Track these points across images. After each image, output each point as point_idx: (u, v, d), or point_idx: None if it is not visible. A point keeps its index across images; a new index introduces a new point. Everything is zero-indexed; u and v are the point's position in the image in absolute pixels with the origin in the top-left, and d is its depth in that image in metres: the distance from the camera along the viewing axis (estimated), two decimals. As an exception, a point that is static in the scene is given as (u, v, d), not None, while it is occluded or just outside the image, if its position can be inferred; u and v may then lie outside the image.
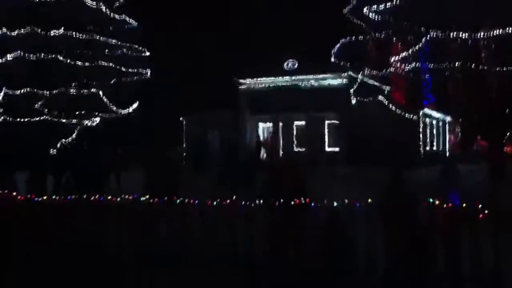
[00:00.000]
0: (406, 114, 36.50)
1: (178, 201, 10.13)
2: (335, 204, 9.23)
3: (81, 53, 36.67)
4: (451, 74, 41.31)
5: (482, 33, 26.98)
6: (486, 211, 8.33)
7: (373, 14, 30.44)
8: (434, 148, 39.91)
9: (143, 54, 39.44)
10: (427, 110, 38.29)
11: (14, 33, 34.97)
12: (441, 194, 9.75)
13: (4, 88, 35.84)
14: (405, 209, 7.99)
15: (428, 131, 38.36)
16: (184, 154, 41.17)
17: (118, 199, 10.84)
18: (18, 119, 36.18)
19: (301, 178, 10.31)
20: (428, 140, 38.30)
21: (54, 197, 11.49)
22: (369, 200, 8.88)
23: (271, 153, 38.18)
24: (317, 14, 51.59)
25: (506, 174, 27.22)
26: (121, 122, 39.11)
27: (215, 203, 9.54)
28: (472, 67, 28.08)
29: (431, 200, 8.54)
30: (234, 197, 9.50)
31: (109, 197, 11.01)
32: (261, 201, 9.52)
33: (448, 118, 43.93)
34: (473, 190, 12.65)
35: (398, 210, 7.98)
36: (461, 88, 40.87)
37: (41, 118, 36.27)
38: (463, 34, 27.21)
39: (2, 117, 36.32)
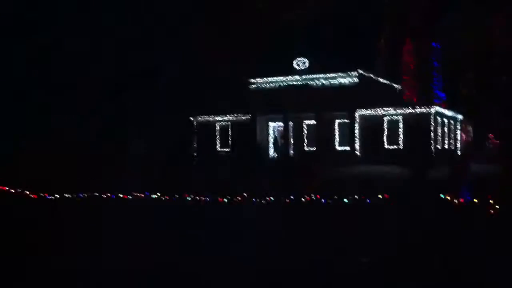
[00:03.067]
0: (418, 112, 36.34)
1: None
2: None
3: None
4: (463, 72, 41.15)
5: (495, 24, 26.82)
6: (497, 206, 8.33)
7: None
8: (446, 146, 39.69)
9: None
10: (438, 109, 38.09)
11: None
12: (453, 190, 9.72)
13: None
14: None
15: (439, 129, 38.15)
16: (195, 154, 41.30)
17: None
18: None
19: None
20: (439, 138, 38.10)
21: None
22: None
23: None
24: (328, 12, 51.35)
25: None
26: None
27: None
28: (485, 64, 27.97)
29: (442, 196, 8.56)
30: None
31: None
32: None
33: (460, 116, 43.69)
34: (485, 186, 12.60)
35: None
36: (474, 87, 40.74)
37: None
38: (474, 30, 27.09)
39: None
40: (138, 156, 32.40)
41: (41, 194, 11.82)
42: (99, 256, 8.61)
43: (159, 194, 10.92)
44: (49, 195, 11.59)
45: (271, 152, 40.17)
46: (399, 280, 7.20)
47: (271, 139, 41.09)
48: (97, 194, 11.27)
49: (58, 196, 11.50)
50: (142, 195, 11.10)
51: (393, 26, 48.68)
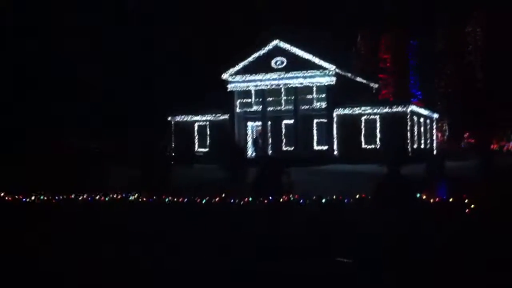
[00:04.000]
0: (394, 111, 36.65)
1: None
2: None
3: None
4: (438, 71, 41.60)
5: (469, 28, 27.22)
6: (472, 206, 8.43)
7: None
8: (422, 146, 40.10)
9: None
10: (415, 108, 38.47)
11: None
12: (429, 189, 9.83)
13: None
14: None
15: (416, 128, 38.54)
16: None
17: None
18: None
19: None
20: (416, 137, 38.48)
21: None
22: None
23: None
24: (306, 12, 51.62)
25: (493, 171, 27.47)
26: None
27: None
28: (460, 61, 28.35)
29: (418, 195, 8.63)
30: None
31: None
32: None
33: (436, 115, 44.18)
34: (460, 185, 12.77)
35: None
36: (449, 86, 41.19)
37: None
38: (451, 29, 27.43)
39: None
40: (112, 157, 32.08)
41: (16, 196, 11.63)
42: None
43: (137, 195, 10.82)
44: (25, 198, 11.42)
45: (250, 152, 40.11)
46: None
47: (249, 139, 41.04)
48: (73, 196, 11.13)
49: (33, 198, 11.32)
50: (120, 196, 10.98)
51: (371, 25, 49.08)
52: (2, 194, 11.75)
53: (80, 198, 11.04)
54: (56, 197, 11.25)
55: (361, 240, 8.24)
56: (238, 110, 40.34)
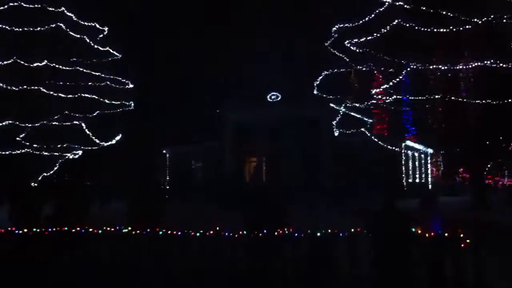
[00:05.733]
0: (389, 146, 36.74)
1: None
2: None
3: (64, 85, 36.51)
4: (432, 107, 41.83)
5: (462, 66, 27.54)
6: (468, 240, 8.42)
7: (354, 47, 30.93)
8: (417, 180, 40.14)
9: (126, 87, 39.35)
10: (409, 142, 38.64)
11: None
12: (423, 224, 9.80)
13: None
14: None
15: (410, 163, 38.63)
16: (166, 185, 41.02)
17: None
18: (1, 152, 35.70)
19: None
20: (410, 172, 38.54)
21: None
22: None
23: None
24: (300, 47, 52.19)
25: (488, 205, 27.52)
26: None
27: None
28: (453, 99, 28.59)
29: (413, 229, 8.61)
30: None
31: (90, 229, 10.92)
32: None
33: (430, 150, 44.37)
34: (456, 219, 12.76)
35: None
36: (443, 121, 41.37)
37: (23, 150, 35.85)
38: (443, 67, 27.74)
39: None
40: (108, 189, 32.02)
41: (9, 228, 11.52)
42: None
43: (130, 228, 10.72)
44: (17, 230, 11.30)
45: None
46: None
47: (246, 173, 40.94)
48: (66, 229, 11.02)
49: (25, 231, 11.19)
50: (113, 229, 10.88)
51: (364, 61, 49.52)
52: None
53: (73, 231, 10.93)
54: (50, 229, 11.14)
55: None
56: (232, 143, 40.42)
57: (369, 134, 37.98)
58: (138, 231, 10.51)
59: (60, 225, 11.13)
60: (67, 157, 37.96)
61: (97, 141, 37.73)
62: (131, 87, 39.48)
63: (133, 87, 39.63)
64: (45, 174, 36.62)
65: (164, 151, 43.13)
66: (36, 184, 33.00)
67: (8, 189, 18.70)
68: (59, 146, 36.79)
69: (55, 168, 37.37)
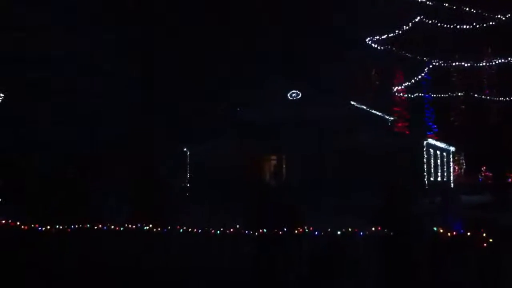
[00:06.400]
0: (410, 144, 36.45)
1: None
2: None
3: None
4: (454, 104, 41.36)
5: (485, 62, 27.21)
6: (490, 239, 8.32)
7: (376, 44, 30.76)
8: (439, 178, 39.74)
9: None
10: (430, 141, 38.26)
11: None
12: (444, 223, 9.72)
13: None
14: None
15: (432, 161, 38.25)
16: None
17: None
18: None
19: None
20: (432, 170, 38.17)
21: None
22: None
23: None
24: (321, 44, 51.94)
25: (508, 204, 27.16)
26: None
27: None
28: (476, 96, 28.25)
29: (435, 228, 8.54)
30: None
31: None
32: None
33: (452, 148, 43.89)
34: (477, 218, 12.62)
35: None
36: (466, 119, 40.92)
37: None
38: (466, 64, 27.45)
39: None
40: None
41: (32, 225, 11.61)
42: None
43: (151, 226, 10.78)
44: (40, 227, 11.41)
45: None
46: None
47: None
48: (88, 226, 11.11)
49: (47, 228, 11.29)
50: (134, 227, 10.94)
51: (384, 59, 49.25)
52: (17, 223, 11.74)
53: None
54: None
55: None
56: (252, 141, 40.44)
57: (389, 132, 37.69)
58: (158, 228, 10.56)
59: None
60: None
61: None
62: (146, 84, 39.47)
63: (151, 85, 39.72)
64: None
65: (185, 149, 43.22)
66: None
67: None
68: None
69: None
